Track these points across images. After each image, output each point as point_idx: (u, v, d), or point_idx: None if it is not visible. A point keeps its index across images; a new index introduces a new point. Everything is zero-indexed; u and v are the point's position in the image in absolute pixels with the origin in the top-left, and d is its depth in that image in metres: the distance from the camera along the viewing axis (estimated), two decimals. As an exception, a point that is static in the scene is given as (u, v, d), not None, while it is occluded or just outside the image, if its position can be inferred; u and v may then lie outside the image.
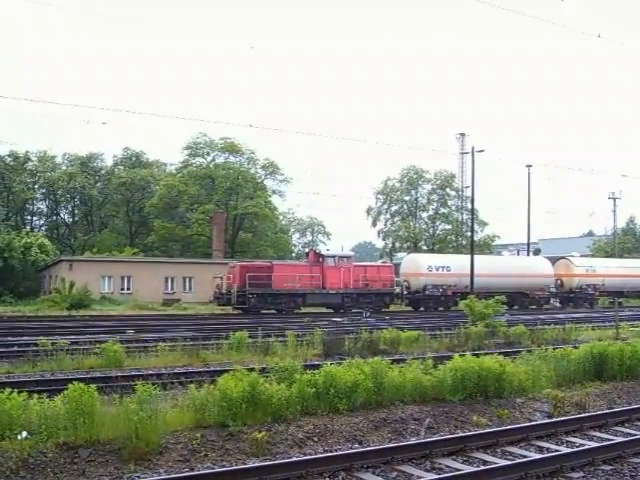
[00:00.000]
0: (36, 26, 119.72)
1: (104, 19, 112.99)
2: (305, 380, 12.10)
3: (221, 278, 45.68)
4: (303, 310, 43.85)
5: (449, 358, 14.74)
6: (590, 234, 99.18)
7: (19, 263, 57.44)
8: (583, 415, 13.29)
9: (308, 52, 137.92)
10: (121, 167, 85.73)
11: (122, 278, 58.05)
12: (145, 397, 10.14)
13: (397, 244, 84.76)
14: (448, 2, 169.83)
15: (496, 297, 28.39)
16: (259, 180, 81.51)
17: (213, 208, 74.25)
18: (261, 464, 9.50)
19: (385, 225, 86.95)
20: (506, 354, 16.88)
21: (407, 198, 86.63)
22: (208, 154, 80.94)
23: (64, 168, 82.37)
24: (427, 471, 9.74)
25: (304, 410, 11.80)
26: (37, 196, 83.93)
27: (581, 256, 65.08)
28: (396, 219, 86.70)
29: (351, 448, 10.75)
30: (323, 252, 48.66)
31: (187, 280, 60.36)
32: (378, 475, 9.55)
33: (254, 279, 43.15)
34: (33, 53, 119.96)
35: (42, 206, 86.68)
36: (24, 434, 9.41)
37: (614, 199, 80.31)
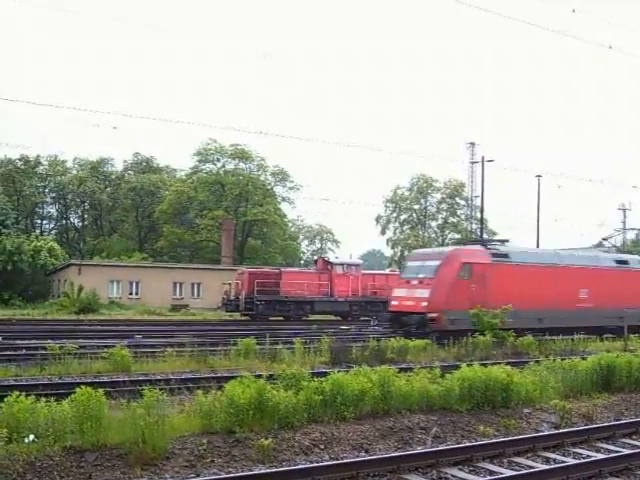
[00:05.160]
0: (43, 28, 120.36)
1: (116, 23, 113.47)
2: (312, 387, 12.09)
3: (229, 284, 45.77)
4: (311, 317, 43.85)
5: (457, 367, 14.72)
6: (600, 245, 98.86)
7: (28, 267, 57.61)
8: (590, 426, 13.25)
9: (319, 60, 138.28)
10: (131, 172, 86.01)
11: (130, 283, 58.19)
12: (152, 402, 10.15)
13: (406, 252, 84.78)
14: (461, 12, 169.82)
15: (503, 307, 28.25)
16: (269, 187, 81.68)
17: (222, 214, 74.42)
18: (267, 471, 9.51)
19: (394, 233, 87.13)
20: (514, 364, 16.85)
21: (416, 207, 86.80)
22: (218, 160, 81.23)
23: (74, 172, 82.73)
24: (433, 480, 9.73)
25: (311, 417, 11.79)
26: (47, 200, 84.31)
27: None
28: (405, 227, 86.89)
29: (357, 456, 10.74)
30: (332, 260, 48.79)
31: (195, 286, 60.41)
32: (384, 484, 9.54)
33: (262, 286, 43.24)
34: (40, 56, 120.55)
35: (52, 210, 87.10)
36: (31, 437, 9.43)
37: (624, 210, 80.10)
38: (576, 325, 29.96)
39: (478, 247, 31.95)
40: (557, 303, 30.97)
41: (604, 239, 44.01)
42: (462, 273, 28.93)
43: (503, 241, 34.98)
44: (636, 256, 38.70)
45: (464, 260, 29.34)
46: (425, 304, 28.02)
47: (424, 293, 28.42)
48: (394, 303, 30.04)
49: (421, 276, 29.25)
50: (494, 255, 30.65)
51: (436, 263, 29.24)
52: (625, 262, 36.77)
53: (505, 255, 31.18)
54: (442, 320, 27.68)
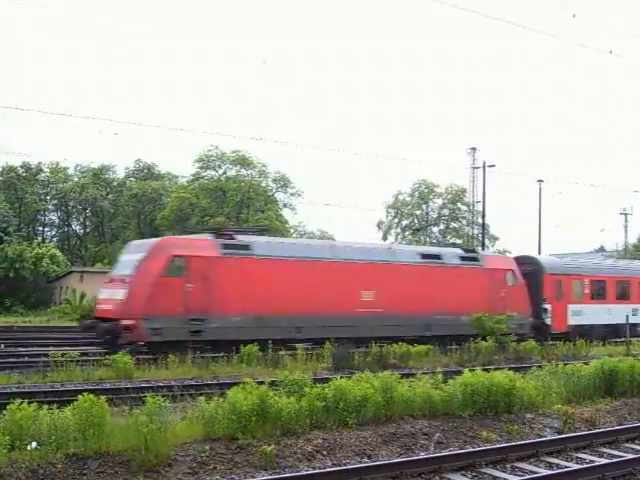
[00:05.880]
0: (42, 31, 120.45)
1: (115, 28, 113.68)
2: (314, 394, 12.08)
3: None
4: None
5: (459, 373, 14.70)
6: (601, 249, 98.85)
7: (30, 274, 57.54)
8: (593, 431, 13.24)
9: (318, 64, 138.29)
10: (133, 179, 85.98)
11: (132, 290, 57.92)
12: (155, 409, 10.15)
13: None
14: (466, 19, 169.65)
15: (507, 312, 28.10)
16: (270, 193, 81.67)
17: (224, 221, 74.29)
18: (270, 477, 9.49)
19: (396, 239, 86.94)
20: (516, 369, 16.83)
21: (418, 212, 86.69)
22: (219, 167, 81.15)
23: (76, 179, 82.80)
24: (436, 486, 9.72)
25: (313, 424, 11.78)
26: (49, 207, 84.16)
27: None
28: (407, 233, 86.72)
29: (360, 462, 10.74)
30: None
31: (197, 292, 60.14)
32: (387, 490, 9.53)
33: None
34: (40, 61, 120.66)
35: (54, 217, 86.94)
36: (34, 444, 9.43)
37: (625, 215, 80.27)
38: (359, 335, 24.93)
39: (203, 236, 25.63)
40: (327, 308, 24.99)
41: (415, 230, 39.48)
42: (172, 269, 22.78)
43: (260, 231, 27.89)
44: (455, 249, 32.51)
45: (175, 252, 23.05)
46: (119, 308, 22.23)
47: (119, 294, 22.57)
48: (98, 307, 24.12)
49: (124, 273, 23.36)
50: (226, 247, 24.16)
51: (139, 256, 23.26)
52: (436, 256, 29.80)
53: (244, 247, 24.66)
54: (140, 329, 21.77)
